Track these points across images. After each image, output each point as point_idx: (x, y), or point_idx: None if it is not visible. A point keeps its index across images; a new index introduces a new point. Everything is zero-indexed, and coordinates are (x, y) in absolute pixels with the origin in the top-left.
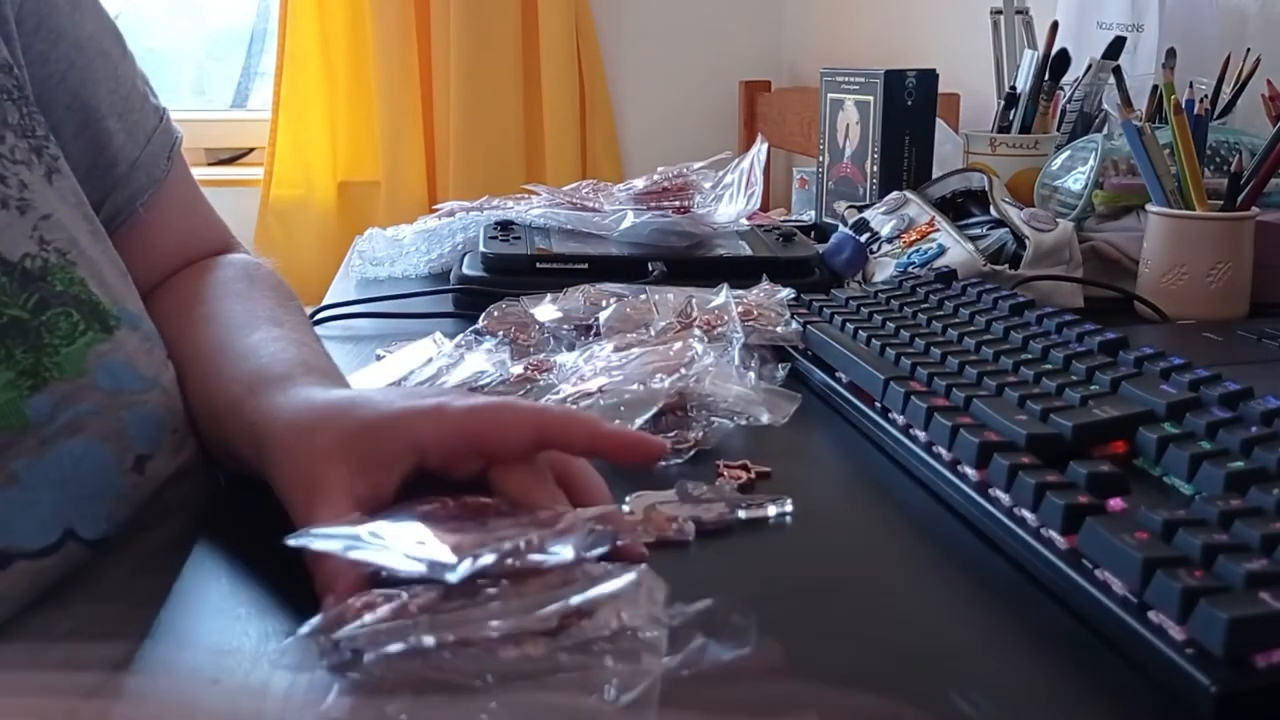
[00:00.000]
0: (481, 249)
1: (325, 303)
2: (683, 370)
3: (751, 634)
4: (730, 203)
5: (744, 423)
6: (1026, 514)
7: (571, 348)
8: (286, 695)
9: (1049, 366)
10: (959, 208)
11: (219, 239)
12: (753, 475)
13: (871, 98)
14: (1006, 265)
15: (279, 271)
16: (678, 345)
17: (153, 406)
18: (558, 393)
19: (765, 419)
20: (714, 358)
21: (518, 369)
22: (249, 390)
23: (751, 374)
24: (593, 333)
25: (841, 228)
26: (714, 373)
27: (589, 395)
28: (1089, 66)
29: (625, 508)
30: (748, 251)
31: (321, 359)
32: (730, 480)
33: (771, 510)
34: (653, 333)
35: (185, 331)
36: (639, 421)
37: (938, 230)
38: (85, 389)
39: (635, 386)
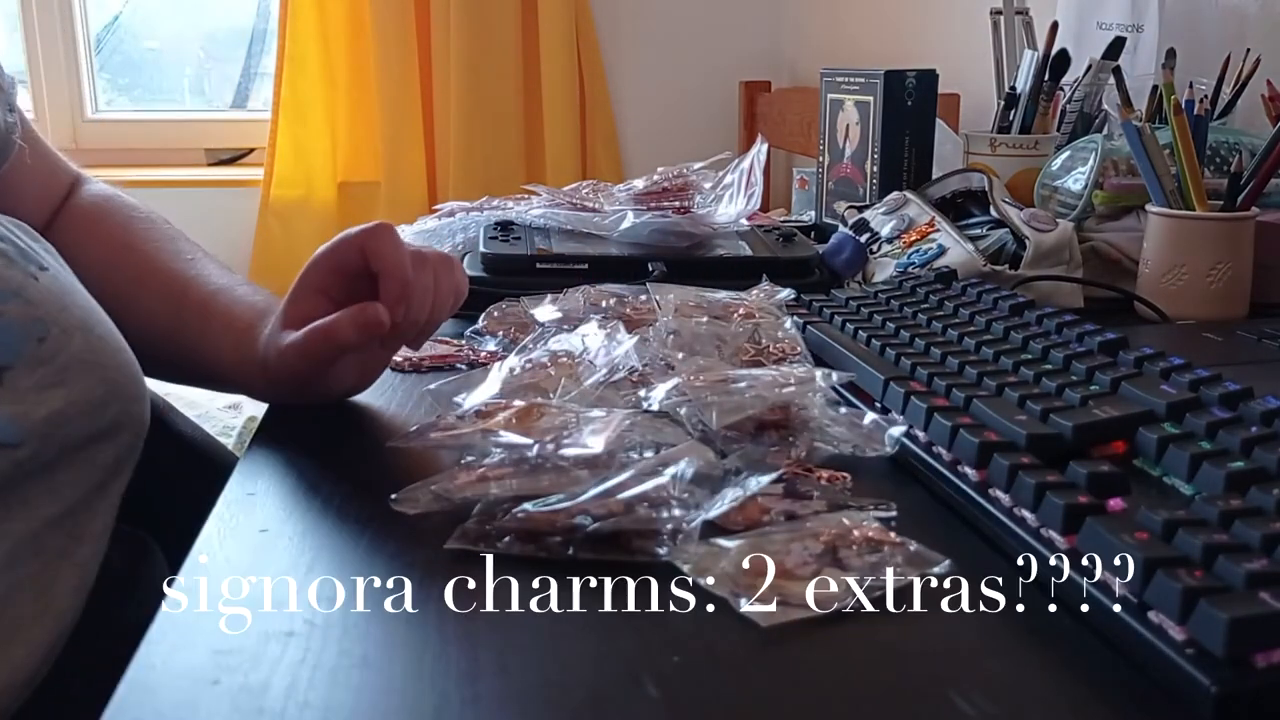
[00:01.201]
0: (481, 249)
1: None
2: (794, 386)
3: None
4: (730, 203)
5: (849, 452)
6: (1026, 514)
7: None
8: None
9: (1049, 366)
10: (959, 208)
11: (67, 169)
12: (847, 479)
13: (871, 98)
14: (1006, 265)
15: (278, 274)
16: (786, 366)
17: (12, 317)
18: (674, 378)
19: (870, 452)
20: (823, 383)
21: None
22: (253, 322)
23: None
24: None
25: (841, 228)
26: (822, 400)
27: (700, 386)
28: (1089, 67)
29: (733, 492)
30: (748, 252)
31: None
32: (833, 483)
33: (874, 514)
34: (723, 357)
35: (148, 277)
36: (740, 415)
37: (938, 230)
38: None
39: (744, 386)
